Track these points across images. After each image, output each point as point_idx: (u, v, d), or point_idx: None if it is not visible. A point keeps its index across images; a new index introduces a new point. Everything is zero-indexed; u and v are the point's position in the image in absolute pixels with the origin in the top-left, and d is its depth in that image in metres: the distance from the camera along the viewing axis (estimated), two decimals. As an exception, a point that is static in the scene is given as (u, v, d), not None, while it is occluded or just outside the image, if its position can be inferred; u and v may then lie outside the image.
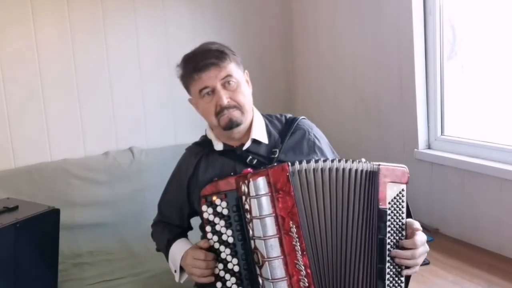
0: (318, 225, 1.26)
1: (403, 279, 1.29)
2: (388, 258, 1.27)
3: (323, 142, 1.55)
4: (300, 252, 1.24)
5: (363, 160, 1.31)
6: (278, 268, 1.23)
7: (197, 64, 1.41)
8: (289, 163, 1.27)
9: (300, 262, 1.24)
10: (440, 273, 1.85)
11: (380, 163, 1.30)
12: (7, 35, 2.32)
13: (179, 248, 1.48)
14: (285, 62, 3.10)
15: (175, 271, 1.49)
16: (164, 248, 1.55)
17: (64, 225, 1.94)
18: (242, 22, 2.92)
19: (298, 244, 1.24)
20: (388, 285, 1.26)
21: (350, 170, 1.28)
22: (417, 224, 1.33)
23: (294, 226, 1.24)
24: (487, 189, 2.01)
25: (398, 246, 1.28)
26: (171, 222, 1.60)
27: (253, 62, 2.88)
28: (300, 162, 1.28)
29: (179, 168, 1.59)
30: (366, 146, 2.59)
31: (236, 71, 1.45)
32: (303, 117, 1.58)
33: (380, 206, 1.27)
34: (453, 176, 2.14)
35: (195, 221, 1.58)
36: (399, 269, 1.28)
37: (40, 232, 1.79)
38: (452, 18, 2.22)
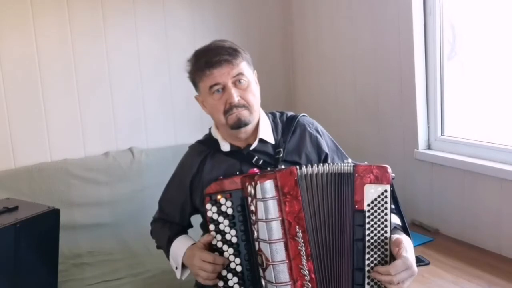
0: (320, 229, 1.26)
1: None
2: (367, 262, 1.24)
3: (325, 136, 1.55)
4: (305, 257, 1.23)
5: (349, 161, 1.30)
6: (282, 272, 1.22)
7: (210, 59, 1.39)
8: (297, 167, 1.26)
9: (305, 267, 1.23)
10: (440, 273, 1.85)
11: (359, 163, 1.28)
12: (8, 35, 2.32)
13: (180, 245, 1.47)
14: (285, 63, 3.10)
15: (176, 268, 1.48)
16: (165, 244, 1.54)
17: (64, 225, 1.94)
18: (242, 23, 2.92)
19: (304, 249, 1.23)
20: None
21: (327, 174, 1.27)
22: (405, 244, 1.24)
23: (300, 231, 1.23)
24: (487, 189, 2.01)
25: (379, 260, 1.24)
26: (172, 220, 1.59)
27: (253, 63, 2.88)
28: (306, 166, 1.27)
29: (182, 166, 1.57)
30: (366, 146, 2.59)
31: (247, 70, 1.44)
32: (303, 114, 1.57)
33: (356, 208, 1.25)
34: (453, 176, 2.14)
35: (196, 220, 1.58)
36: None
37: (40, 232, 1.79)
38: (452, 18, 2.22)
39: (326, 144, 1.52)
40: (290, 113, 1.58)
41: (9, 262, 1.68)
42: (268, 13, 3.01)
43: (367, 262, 1.24)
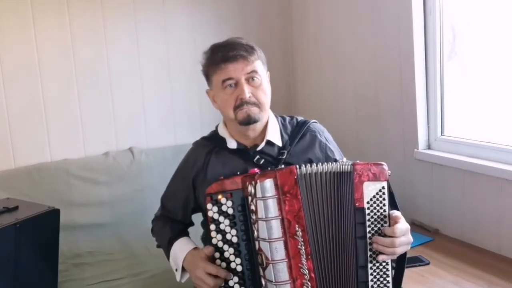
0: (320, 228, 1.26)
1: (389, 279, 1.29)
2: (370, 259, 1.27)
3: (333, 145, 1.55)
4: (305, 256, 1.23)
5: (344, 160, 1.31)
6: (282, 271, 1.23)
7: (227, 53, 1.40)
8: (297, 166, 1.27)
9: (305, 266, 1.23)
10: (440, 273, 1.85)
11: (357, 162, 1.29)
12: (7, 35, 2.32)
13: (181, 248, 1.47)
14: (285, 63, 3.09)
15: (176, 270, 1.48)
16: (165, 245, 1.54)
17: (64, 225, 1.94)
18: (242, 23, 2.91)
19: (303, 248, 1.23)
20: (372, 286, 1.27)
21: (326, 173, 1.27)
22: (397, 214, 1.32)
23: (300, 229, 1.24)
24: (487, 189, 2.01)
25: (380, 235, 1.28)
26: (174, 217, 1.59)
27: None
28: (305, 165, 1.27)
29: (186, 161, 1.57)
30: (366, 146, 2.59)
31: (261, 68, 1.46)
32: (314, 120, 1.58)
33: (357, 206, 1.26)
34: (453, 176, 2.14)
35: (197, 218, 1.58)
36: (384, 274, 1.27)
37: (40, 232, 1.79)
38: (452, 18, 2.22)
39: (334, 152, 1.53)
40: (300, 118, 1.58)
41: (9, 262, 1.68)
42: (268, 13, 3.01)
43: (369, 259, 1.26)
